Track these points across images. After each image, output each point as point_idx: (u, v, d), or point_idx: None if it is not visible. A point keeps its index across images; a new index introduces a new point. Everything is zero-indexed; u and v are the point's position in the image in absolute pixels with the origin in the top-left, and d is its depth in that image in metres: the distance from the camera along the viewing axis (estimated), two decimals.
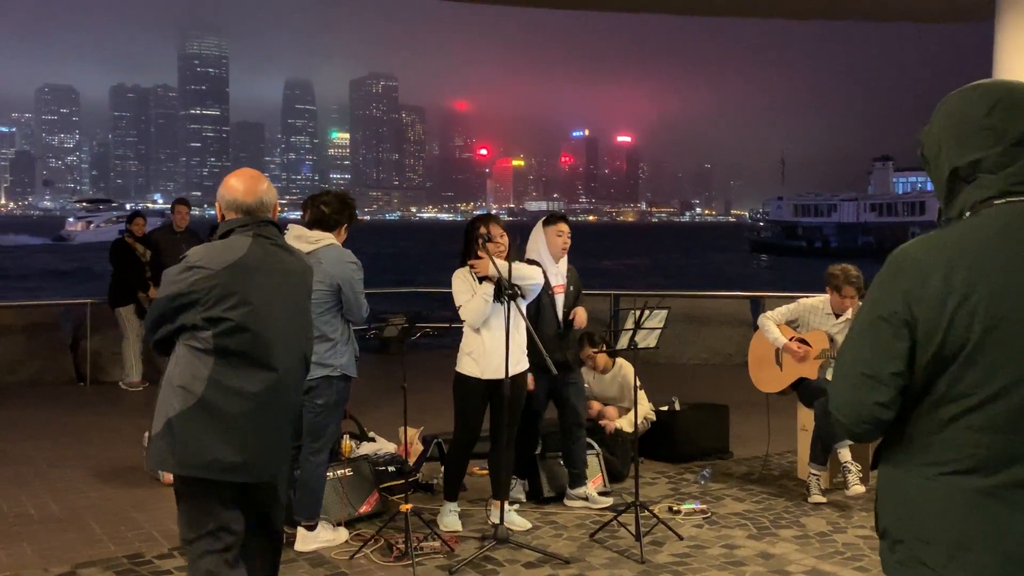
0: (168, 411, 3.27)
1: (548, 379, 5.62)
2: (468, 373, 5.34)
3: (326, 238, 5.09)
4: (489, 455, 5.55)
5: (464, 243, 5.38)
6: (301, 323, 3.52)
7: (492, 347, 5.25)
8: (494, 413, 5.38)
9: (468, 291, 5.29)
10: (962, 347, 1.80)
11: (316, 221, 5.18)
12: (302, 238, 5.04)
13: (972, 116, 1.93)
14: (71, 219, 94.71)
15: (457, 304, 5.33)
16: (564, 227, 5.90)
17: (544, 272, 5.75)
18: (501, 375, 5.16)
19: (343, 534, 5.25)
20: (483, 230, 5.27)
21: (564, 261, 5.95)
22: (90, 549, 5.12)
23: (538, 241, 5.89)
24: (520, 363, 5.36)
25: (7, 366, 10.34)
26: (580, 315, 5.91)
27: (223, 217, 3.48)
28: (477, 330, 5.30)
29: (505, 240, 5.31)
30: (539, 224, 5.98)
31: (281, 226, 3.54)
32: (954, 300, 1.80)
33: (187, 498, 3.35)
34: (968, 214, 1.91)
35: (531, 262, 5.75)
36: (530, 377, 5.60)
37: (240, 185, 3.44)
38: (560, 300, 5.87)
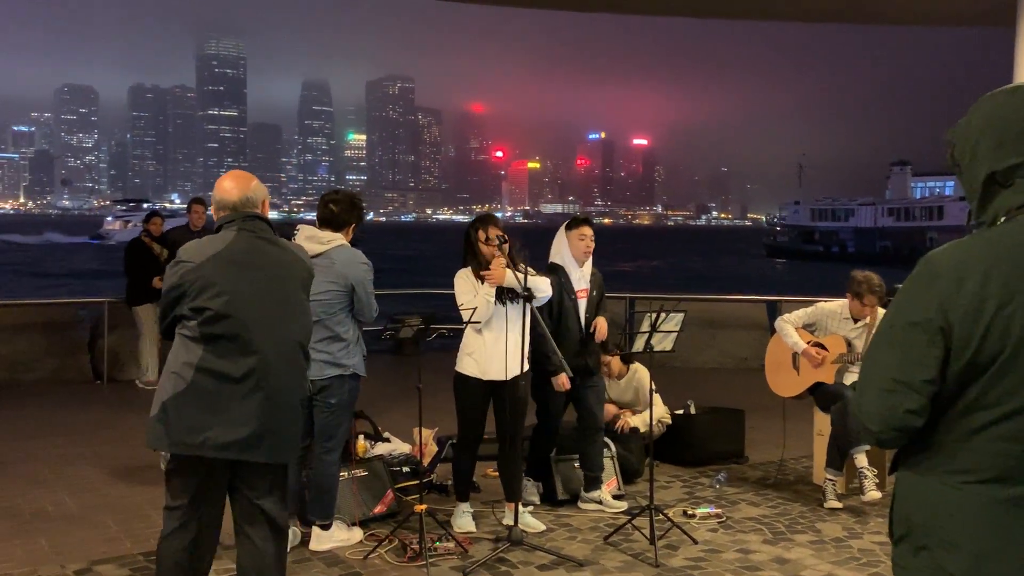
0: (163, 395, 3.51)
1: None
2: (469, 373, 5.34)
3: (337, 239, 5.11)
4: (498, 457, 5.54)
5: (464, 245, 5.38)
6: (289, 311, 3.63)
7: (493, 348, 5.24)
8: (499, 415, 5.38)
9: (470, 291, 5.29)
10: (997, 356, 1.77)
11: (324, 220, 5.20)
12: (314, 239, 5.06)
13: (1012, 120, 1.88)
14: (109, 217, 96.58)
15: (459, 304, 5.33)
16: (587, 231, 5.85)
17: (568, 276, 5.74)
18: (502, 376, 5.16)
19: (357, 534, 5.27)
20: (482, 234, 5.27)
21: (588, 265, 5.90)
22: (106, 546, 5.15)
23: (561, 245, 5.87)
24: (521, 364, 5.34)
25: (25, 364, 10.42)
26: (601, 327, 5.86)
27: (216, 217, 3.73)
28: (479, 331, 5.30)
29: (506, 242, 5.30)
30: (562, 228, 5.95)
31: (270, 221, 3.71)
32: (991, 308, 1.76)
33: (176, 474, 3.57)
34: (1003, 219, 1.86)
35: (553, 267, 5.74)
36: (564, 378, 5.55)
37: (226, 184, 3.71)
38: (583, 305, 5.84)
